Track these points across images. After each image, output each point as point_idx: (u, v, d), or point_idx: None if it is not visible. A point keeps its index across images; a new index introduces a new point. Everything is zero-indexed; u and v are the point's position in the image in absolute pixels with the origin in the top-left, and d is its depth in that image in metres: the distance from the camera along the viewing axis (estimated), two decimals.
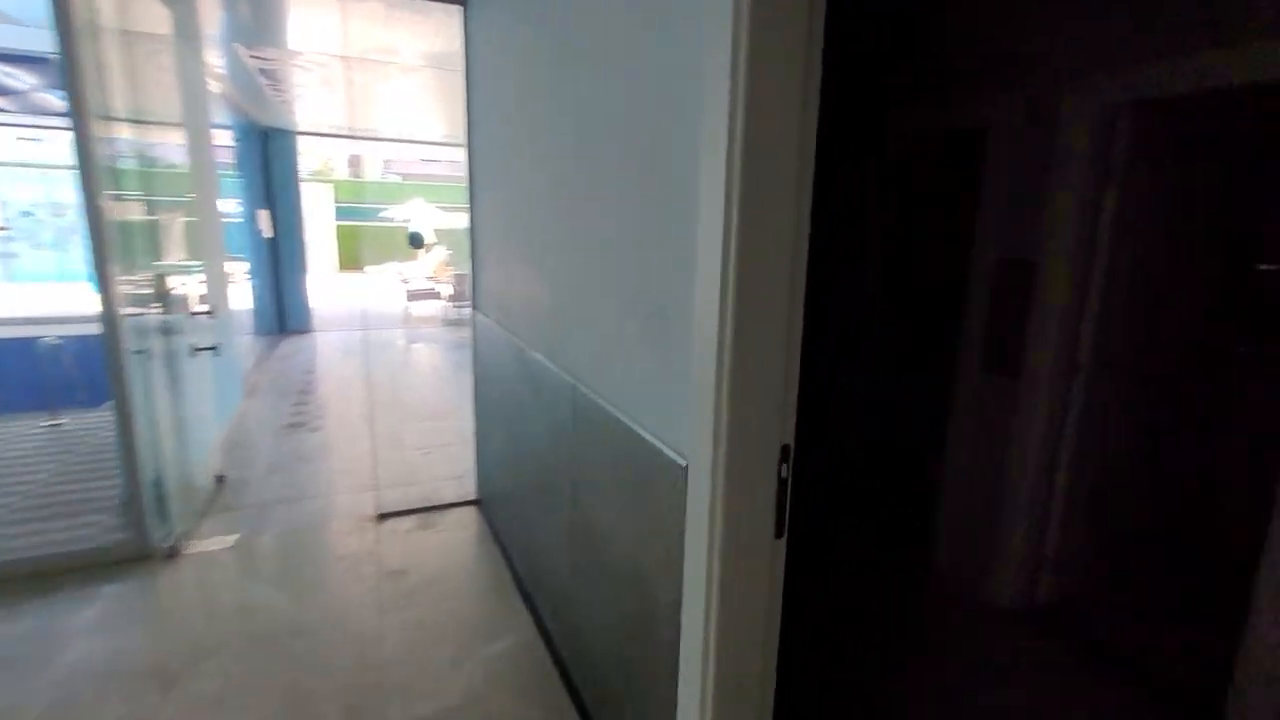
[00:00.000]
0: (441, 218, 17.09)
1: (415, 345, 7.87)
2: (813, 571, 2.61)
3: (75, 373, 4.82)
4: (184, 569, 2.65)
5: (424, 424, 4.68)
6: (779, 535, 1.18)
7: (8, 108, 7.23)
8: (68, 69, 2.41)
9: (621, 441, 1.45)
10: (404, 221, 17.41)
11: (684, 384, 1.19)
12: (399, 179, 25.42)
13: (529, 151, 2.07)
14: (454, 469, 3.80)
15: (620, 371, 1.47)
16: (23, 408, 4.72)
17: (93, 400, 5.07)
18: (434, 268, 15.75)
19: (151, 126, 3.20)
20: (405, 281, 10.95)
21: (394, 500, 3.32)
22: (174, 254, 3.29)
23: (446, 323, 9.33)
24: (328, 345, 7.61)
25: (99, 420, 4.49)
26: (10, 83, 6.11)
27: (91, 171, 2.46)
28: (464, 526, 3.09)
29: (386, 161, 26.77)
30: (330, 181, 19.41)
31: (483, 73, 2.68)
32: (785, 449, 1.15)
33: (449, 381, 6.05)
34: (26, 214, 11.17)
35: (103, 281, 2.55)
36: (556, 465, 1.97)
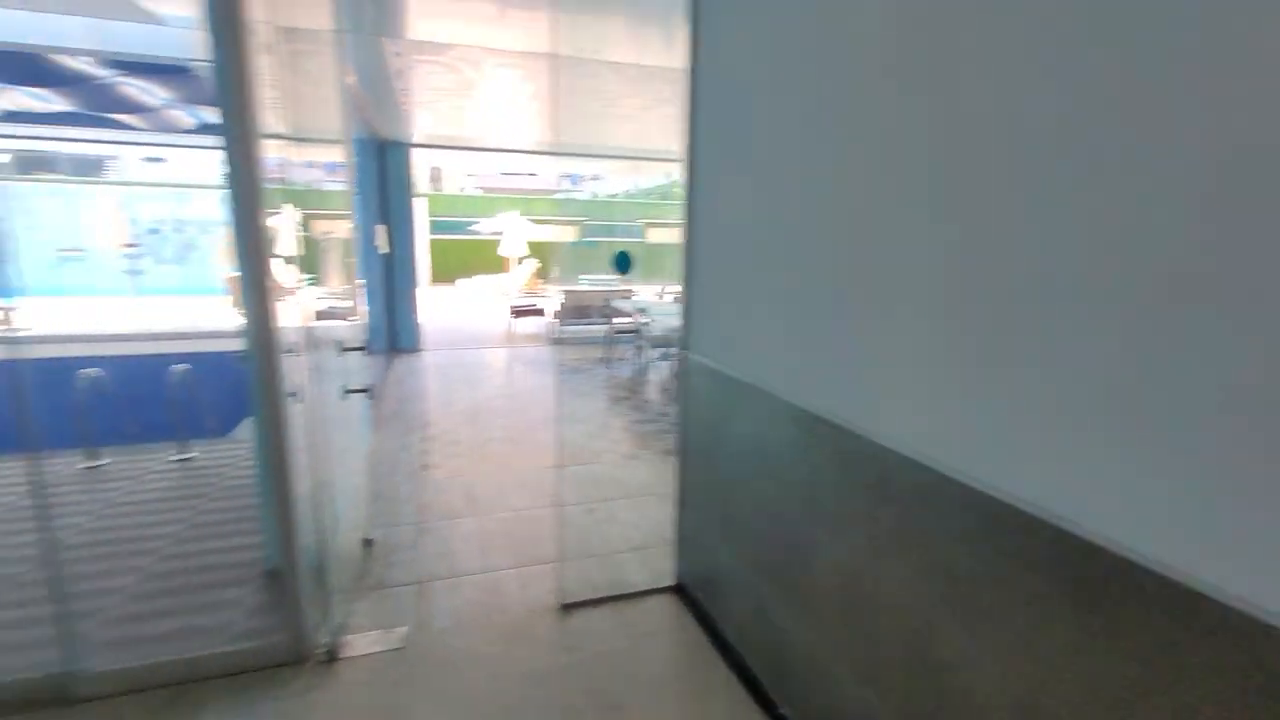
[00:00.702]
0: (533, 230, 16.97)
1: (526, 367, 7.38)
2: None
3: (203, 394, 4.52)
4: (346, 684, 2.08)
5: (568, 470, 4.08)
6: None
7: (140, 125, 7.27)
8: (230, 77, 1.92)
9: None
10: (494, 234, 17.37)
11: None
12: (481, 192, 25.77)
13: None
14: (628, 535, 3.15)
15: None
16: (152, 436, 4.44)
17: (220, 428, 4.77)
18: (526, 280, 15.60)
19: (311, 142, 2.73)
20: (506, 294, 10.64)
21: (573, 581, 2.69)
22: (331, 281, 2.81)
23: (552, 341, 8.85)
24: (437, 366, 7.23)
25: (228, 453, 4.14)
26: (144, 98, 6.05)
27: (252, 194, 1.96)
28: (670, 626, 2.42)
29: (469, 175, 27.18)
30: (425, 195, 19.70)
31: (739, 54, 2.02)
32: None
33: (575, 412, 5.47)
34: (153, 231, 11.66)
35: (259, 313, 2.03)
36: (918, 619, 1.25)
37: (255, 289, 2.02)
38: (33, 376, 2.07)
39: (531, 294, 11.22)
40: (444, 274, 18.85)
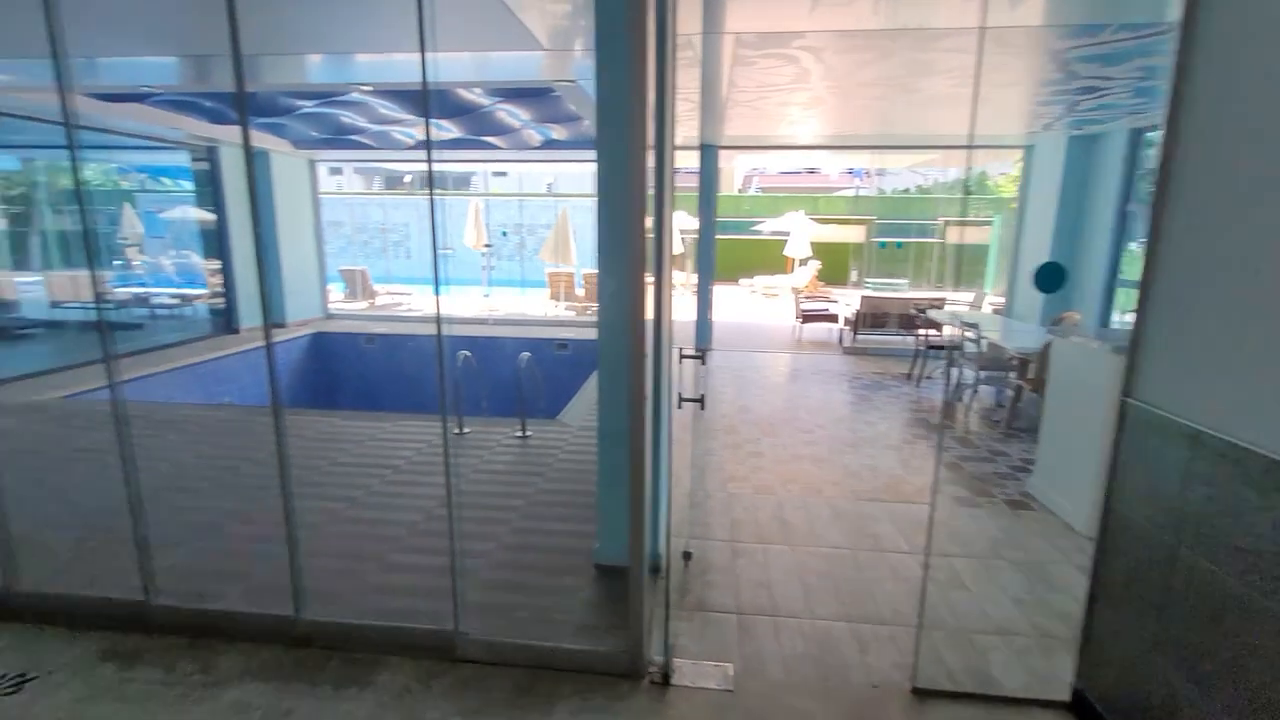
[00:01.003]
0: (817, 230, 16.30)
1: (819, 376, 6.92)
2: None
3: (538, 378, 5.06)
4: (680, 715, 1.96)
5: (887, 506, 3.56)
6: None
7: (501, 145, 8.63)
8: (624, 93, 1.90)
9: None
10: (777, 234, 17.12)
11: None
12: (761, 191, 25.72)
13: None
14: (985, 610, 2.55)
15: None
16: (499, 411, 5.15)
17: (549, 409, 5.34)
18: (807, 282, 15.04)
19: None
20: (792, 295, 10.27)
21: (926, 658, 2.22)
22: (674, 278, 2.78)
23: (845, 350, 8.22)
24: (730, 368, 7.19)
25: (558, 435, 4.52)
26: (510, 121, 7.12)
27: (639, 201, 1.92)
28: None
29: (747, 176, 27.37)
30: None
31: None
32: None
33: (884, 435, 4.85)
34: (503, 234, 14.19)
35: (634, 315, 2.00)
36: None
37: (633, 292, 1.98)
38: (448, 350, 2.37)
39: (819, 297, 10.66)
40: (725, 272, 19.28)
